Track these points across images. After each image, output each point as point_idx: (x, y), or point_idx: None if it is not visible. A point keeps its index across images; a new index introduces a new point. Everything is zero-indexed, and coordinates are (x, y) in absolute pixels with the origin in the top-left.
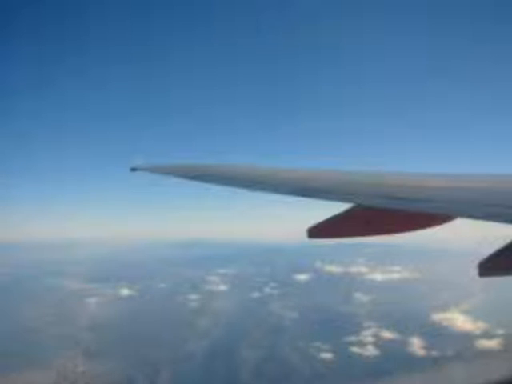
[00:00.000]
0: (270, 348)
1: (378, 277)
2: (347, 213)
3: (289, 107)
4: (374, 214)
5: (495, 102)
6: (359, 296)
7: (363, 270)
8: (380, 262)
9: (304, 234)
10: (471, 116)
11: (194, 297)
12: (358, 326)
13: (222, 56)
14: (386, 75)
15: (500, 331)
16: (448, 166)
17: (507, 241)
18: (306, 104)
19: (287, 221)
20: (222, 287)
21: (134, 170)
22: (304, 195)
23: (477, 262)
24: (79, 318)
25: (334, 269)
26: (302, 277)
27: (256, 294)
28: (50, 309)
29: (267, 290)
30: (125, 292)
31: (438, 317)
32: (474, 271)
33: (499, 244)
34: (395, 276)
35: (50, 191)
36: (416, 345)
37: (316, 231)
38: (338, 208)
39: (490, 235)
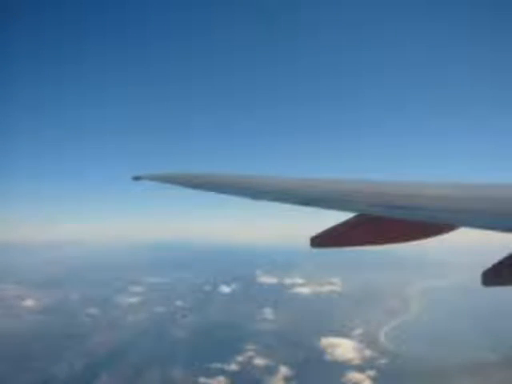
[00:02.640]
0: (132, 375)
1: (306, 290)
2: (350, 222)
3: (288, 111)
4: (377, 224)
5: (495, 105)
6: (268, 312)
7: (298, 281)
8: (326, 273)
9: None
10: (472, 121)
11: (94, 310)
12: (238, 348)
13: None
14: (385, 77)
15: (384, 360)
16: (450, 174)
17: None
18: (305, 104)
19: (272, 225)
20: (134, 299)
21: (137, 178)
22: (308, 204)
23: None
24: None
25: (269, 279)
26: (227, 289)
27: (162, 309)
28: None
29: (179, 303)
30: (29, 303)
31: (327, 341)
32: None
33: (502, 254)
34: (326, 289)
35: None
36: (280, 375)
37: (318, 240)
38: (335, 217)
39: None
